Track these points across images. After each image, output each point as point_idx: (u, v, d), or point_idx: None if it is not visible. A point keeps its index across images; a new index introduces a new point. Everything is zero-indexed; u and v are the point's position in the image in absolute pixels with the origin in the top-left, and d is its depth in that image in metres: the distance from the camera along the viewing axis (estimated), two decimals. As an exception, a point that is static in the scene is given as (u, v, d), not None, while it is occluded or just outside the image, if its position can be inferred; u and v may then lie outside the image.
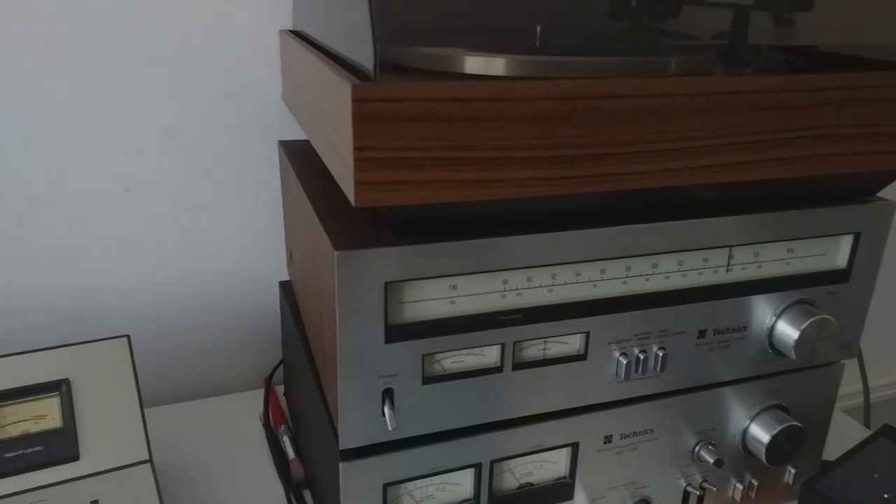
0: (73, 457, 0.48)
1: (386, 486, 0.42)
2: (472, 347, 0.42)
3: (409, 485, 0.44)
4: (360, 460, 0.41)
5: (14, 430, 0.48)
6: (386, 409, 0.40)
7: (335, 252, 0.36)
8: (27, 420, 0.49)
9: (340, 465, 0.41)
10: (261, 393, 0.70)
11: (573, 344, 0.44)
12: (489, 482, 0.45)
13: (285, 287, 0.64)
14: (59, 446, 0.48)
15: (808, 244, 0.48)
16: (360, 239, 0.38)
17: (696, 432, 0.50)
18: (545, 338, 0.43)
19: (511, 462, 0.46)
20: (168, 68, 0.63)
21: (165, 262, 0.68)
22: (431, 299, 0.40)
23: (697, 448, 0.51)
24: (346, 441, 0.41)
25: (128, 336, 0.55)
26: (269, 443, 0.62)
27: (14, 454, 0.47)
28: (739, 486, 0.54)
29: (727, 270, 0.47)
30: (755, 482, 0.54)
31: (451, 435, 0.43)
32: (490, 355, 0.43)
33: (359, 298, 0.38)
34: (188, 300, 0.70)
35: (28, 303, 0.64)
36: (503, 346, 0.42)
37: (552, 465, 0.48)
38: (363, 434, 0.41)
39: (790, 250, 0.48)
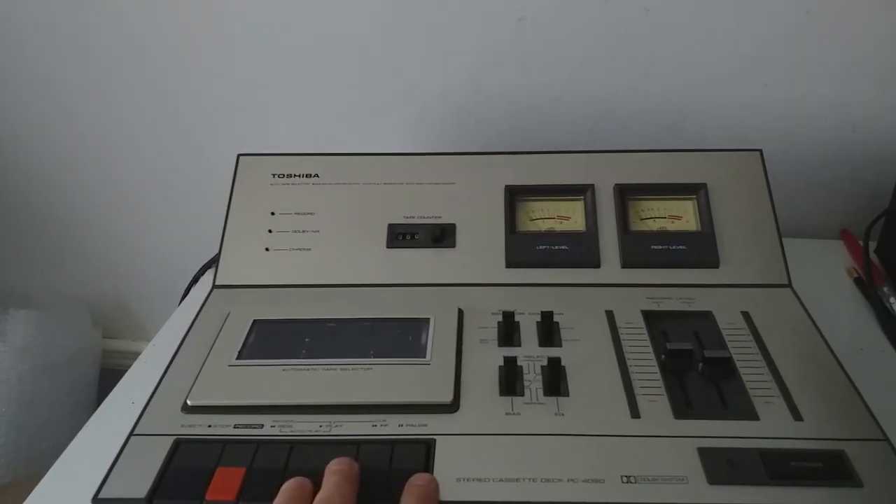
0: (714, 263, 0.46)
1: None
2: None
3: None
4: None
5: (653, 225, 0.49)
6: None
7: None
8: (664, 218, 0.49)
9: None
10: (832, 244, 0.62)
11: None
12: None
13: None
14: (701, 249, 0.47)
15: None
16: None
17: None
18: None
19: None
20: None
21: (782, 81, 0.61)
22: None
23: None
24: None
25: (760, 150, 0.50)
26: (868, 301, 0.54)
27: (660, 247, 0.47)
28: None
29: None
30: None
31: None
32: None
33: None
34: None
35: (634, 105, 0.64)
36: None
37: None
38: None
39: None
